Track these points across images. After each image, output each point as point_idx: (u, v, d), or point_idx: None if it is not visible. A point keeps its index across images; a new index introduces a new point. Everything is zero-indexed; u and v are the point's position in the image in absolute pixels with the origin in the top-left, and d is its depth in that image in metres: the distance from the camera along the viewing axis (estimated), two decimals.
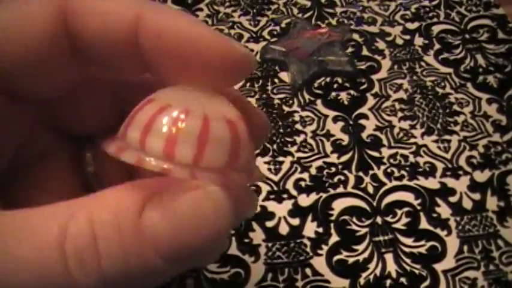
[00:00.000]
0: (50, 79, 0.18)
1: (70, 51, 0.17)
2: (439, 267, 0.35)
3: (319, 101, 0.44)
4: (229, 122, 0.16)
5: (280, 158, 0.41)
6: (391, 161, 0.40)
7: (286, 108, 0.44)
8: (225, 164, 0.16)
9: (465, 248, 0.36)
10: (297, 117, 0.43)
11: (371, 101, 0.44)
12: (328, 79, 0.46)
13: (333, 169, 0.40)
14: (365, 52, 0.48)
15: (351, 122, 0.43)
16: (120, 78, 0.21)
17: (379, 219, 0.37)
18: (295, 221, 0.38)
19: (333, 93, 0.45)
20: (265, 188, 0.39)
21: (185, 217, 0.14)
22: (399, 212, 0.38)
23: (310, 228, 0.37)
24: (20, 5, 0.16)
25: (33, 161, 0.19)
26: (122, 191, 0.15)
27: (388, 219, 0.37)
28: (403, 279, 0.35)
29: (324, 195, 0.39)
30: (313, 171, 0.40)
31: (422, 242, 0.36)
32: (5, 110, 0.17)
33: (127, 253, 0.14)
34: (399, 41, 0.49)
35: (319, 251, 0.36)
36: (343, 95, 0.45)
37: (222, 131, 0.16)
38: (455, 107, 0.44)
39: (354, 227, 0.37)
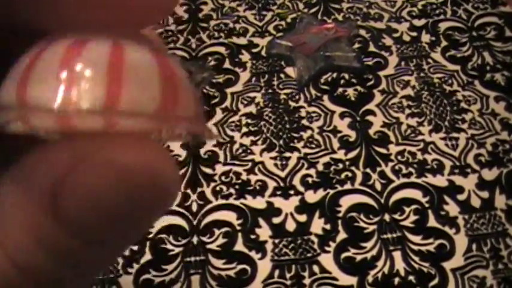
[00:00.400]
0: None
1: None
2: (447, 265, 0.35)
3: (325, 97, 0.44)
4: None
5: (287, 154, 0.41)
6: (399, 158, 0.40)
7: (292, 104, 0.44)
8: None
9: (474, 246, 0.36)
10: (303, 113, 0.43)
11: (378, 98, 0.44)
12: (334, 75, 0.46)
13: (340, 165, 0.40)
14: (372, 48, 0.47)
15: (358, 118, 0.43)
16: None
17: (387, 217, 0.37)
18: (303, 218, 0.37)
19: (340, 89, 0.45)
20: (271, 184, 0.39)
21: (101, 196, 0.11)
22: (407, 209, 0.37)
23: (318, 225, 0.37)
24: None
25: None
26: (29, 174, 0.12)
27: (396, 216, 0.37)
28: (411, 277, 0.34)
29: (332, 191, 0.38)
30: (320, 167, 0.40)
31: (431, 240, 0.36)
32: None
33: (37, 240, 0.11)
34: (406, 38, 0.48)
35: (327, 248, 0.36)
36: (350, 91, 0.44)
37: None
38: (463, 105, 0.43)
39: (362, 224, 0.37)
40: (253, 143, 0.41)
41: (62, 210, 0.11)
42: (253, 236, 0.36)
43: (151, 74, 0.10)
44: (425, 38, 0.48)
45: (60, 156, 0.11)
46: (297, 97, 0.44)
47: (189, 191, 0.39)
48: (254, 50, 0.48)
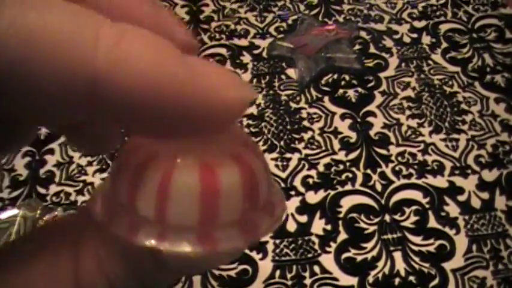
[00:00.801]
0: None
1: None
2: (447, 266, 0.35)
3: (326, 98, 0.44)
4: (205, 166, 0.13)
5: (288, 155, 0.41)
6: (399, 159, 0.40)
7: (293, 105, 0.44)
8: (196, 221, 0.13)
9: (474, 247, 0.36)
10: (304, 114, 0.43)
11: (379, 99, 0.44)
12: (335, 76, 0.46)
13: (341, 166, 0.40)
14: (372, 50, 0.48)
15: (359, 120, 0.43)
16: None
17: (387, 217, 0.37)
18: (303, 218, 0.37)
19: (341, 91, 0.45)
20: None
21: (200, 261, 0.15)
22: (407, 210, 0.38)
23: (319, 226, 0.37)
24: None
25: None
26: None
27: (397, 217, 0.37)
28: (412, 278, 0.34)
29: (332, 192, 0.39)
30: (321, 168, 0.40)
31: (431, 241, 0.36)
32: None
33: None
34: (406, 39, 0.48)
35: (328, 249, 0.36)
36: (351, 93, 0.45)
37: (187, 181, 0.13)
38: (463, 106, 0.43)
39: (362, 225, 0.37)
40: None
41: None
42: None
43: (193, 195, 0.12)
44: (426, 39, 0.48)
45: None
46: (298, 98, 0.44)
47: None
48: (255, 52, 0.48)
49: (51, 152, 0.42)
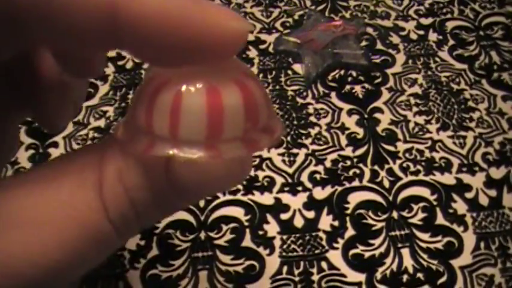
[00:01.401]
0: None
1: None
2: (455, 263, 0.35)
3: (333, 94, 0.44)
4: (211, 88, 0.15)
5: (295, 150, 0.40)
6: (407, 155, 0.40)
7: (300, 101, 0.44)
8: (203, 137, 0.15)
9: (482, 244, 0.36)
10: (311, 110, 0.43)
11: (386, 95, 0.44)
12: (342, 72, 0.45)
13: (348, 162, 0.40)
14: (379, 46, 0.47)
15: (366, 116, 0.42)
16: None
17: (395, 214, 0.37)
18: (311, 214, 0.37)
19: (348, 86, 0.44)
20: (279, 180, 0.39)
21: (208, 172, 0.16)
22: (415, 207, 0.37)
23: (326, 222, 0.37)
24: None
25: None
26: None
27: (404, 214, 0.37)
28: (420, 275, 0.34)
29: (340, 188, 0.38)
30: (328, 164, 0.40)
31: (439, 238, 0.36)
32: None
33: (161, 208, 0.16)
34: (413, 36, 0.48)
35: (335, 245, 0.36)
36: (358, 88, 0.44)
37: (196, 101, 0.14)
38: (471, 103, 0.43)
39: (370, 221, 0.37)
40: None
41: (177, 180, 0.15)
42: (261, 232, 0.36)
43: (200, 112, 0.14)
44: (433, 36, 0.48)
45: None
46: (305, 94, 0.44)
47: None
48: (261, 47, 0.48)
49: (55, 145, 0.42)
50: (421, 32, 0.49)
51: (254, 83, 0.15)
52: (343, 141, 0.41)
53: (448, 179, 0.39)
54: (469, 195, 0.38)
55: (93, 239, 0.15)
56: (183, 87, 0.14)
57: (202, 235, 0.36)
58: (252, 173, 0.39)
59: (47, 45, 0.17)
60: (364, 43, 0.47)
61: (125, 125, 0.16)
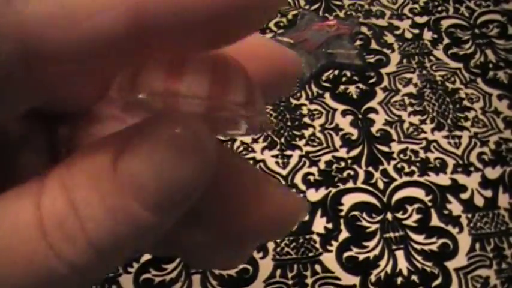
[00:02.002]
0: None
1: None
2: (450, 265, 0.34)
3: (327, 94, 0.44)
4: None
5: (288, 152, 0.40)
6: (401, 156, 0.40)
7: (293, 101, 0.43)
8: (208, 91, 0.14)
9: (477, 245, 0.35)
10: (305, 111, 0.43)
11: (380, 95, 0.43)
12: (336, 72, 0.45)
13: (342, 164, 0.39)
14: (373, 45, 0.47)
15: (360, 116, 0.42)
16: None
17: (389, 216, 0.37)
18: (304, 216, 0.37)
19: (342, 87, 0.44)
20: None
21: (163, 159, 0.13)
22: (410, 208, 0.37)
23: (320, 224, 0.36)
24: None
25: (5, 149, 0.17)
26: (91, 148, 0.13)
27: (399, 215, 0.37)
28: (414, 277, 0.34)
29: (334, 190, 0.38)
30: (322, 165, 0.39)
31: (434, 239, 0.36)
32: None
33: (110, 211, 0.12)
34: (408, 35, 0.48)
35: (329, 247, 0.35)
36: (352, 89, 0.44)
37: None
38: (466, 103, 0.43)
39: (364, 223, 0.36)
40: (254, 140, 0.41)
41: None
42: None
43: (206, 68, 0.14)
44: (428, 35, 0.48)
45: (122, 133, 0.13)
46: (298, 94, 0.44)
47: None
48: None
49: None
50: (416, 31, 0.48)
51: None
52: (337, 142, 0.41)
53: (443, 179, 0.38)
54: (464, 196, 0.38)
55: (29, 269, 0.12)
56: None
57: None
58: None
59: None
60: (358, 43, 0.47)
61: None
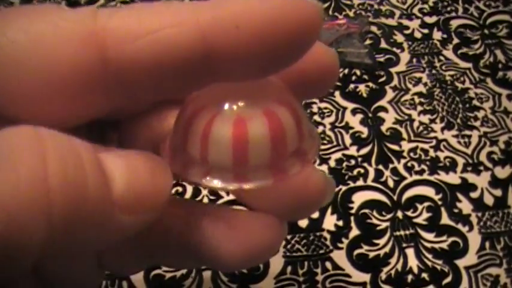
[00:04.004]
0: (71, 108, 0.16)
1: (103, 83, 0.15)
2: (460, 263, 0.35)
3: (337, 93, 0.44)
4: (238, 119, 0.16)
5: None
6: (411, 154, 0.40)
7: (309, 99, 0.43)
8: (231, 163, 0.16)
9: (487, 244, 0.35)
10: (315, 109, 0.43)
11: (390, 94, 0.44)
12: (346, 71, 0.45)
13: (353, 162, 0.39)
14: (383, 45, 0.47)
15: (370, 115, 0.42)
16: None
17: (399, 214, 0.37)
18: (315, 214, 0.37)
19: (352, 85, 0.44)
20: None
21: (141, 166, 0.15)
22: (420, 206, 0.37)
23: (330, 221, 0.36)
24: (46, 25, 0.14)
25: None
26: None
27: (409, 213, 0.37)
28: (424, 275, 0.34)
29: (344, 188, 0.38)
30: (332, 163, 0.39)
31: (444, 238, 0.36)
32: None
33: (80, 187, 0.13)
34: (418, 35, 0.48)
35: (340, 245, 0.35)
36: (362, 87, 0.44)
37: (222, 131, 0.16)
38: (475, 102, 0.43)
39: (375, 221, 0.36)
40: None
41: None
42: None
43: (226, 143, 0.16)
44: (437, 35, 0.48)
45: None
46: None
47: None
48: None
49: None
50: (426, 31, 0.48)
51: (285, 110, 0.16)
52: (347, 140, 0.41)
53: (453, 178, 0.39)
54: (474, 194, 0.38)
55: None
56: (214, 117, 0.16)
57: None
58: None
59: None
60: (368, 42, 0.47)
61: (169, 140, 0.17)
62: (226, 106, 0.16)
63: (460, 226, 0.36)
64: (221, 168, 0.16)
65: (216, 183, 0.16)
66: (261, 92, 0.16)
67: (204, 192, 0.38)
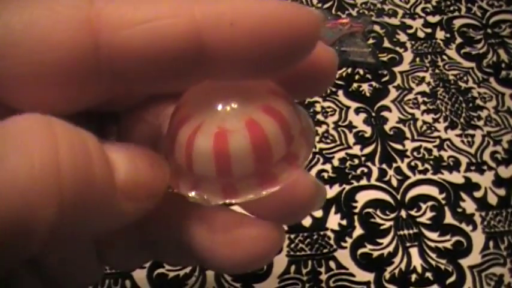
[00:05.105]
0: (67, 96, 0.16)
1: (97, 72, 0.15)
2: (464, 262, 0.35)
3: (340, 92, 0.44)
4: (220, 133, 0.16)
5: None
6: (415, 154, 0.40)
7: (307, 99, 0.43)
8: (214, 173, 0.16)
9: (491, 243, 0.35)
10: (318, 108, 0.43)
11: (393, 93, 0.44)
12: (349, 70, 0.45)
13: (356, 161, 0.39)
14: (386, 44, 0.47)
15: (373, 114, 0.42)
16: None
17: (403, 213, 0.37)
18: (319, 213, 0.37)
19: (355, 84, 0.44)
20: None
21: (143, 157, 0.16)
22: (424, 206, 0.37)
23: (334, 221, 0.36)
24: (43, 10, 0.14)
25: None
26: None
27: (413, 213, 0.37)
28: (428, 274, 0.34)
29: (347, 187, 0.38)
30: (335, 162, 0.39)
31: (448, 237, 0.36)
32: None
33: (88, 173, 0.14)
34: (420, 34, 0.48)
35: (343, 244, 0.35)
36: (365, 87, 0.44)
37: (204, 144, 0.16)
38: (479, 102, 0.43)
39: (378, 220, 0.36)
40: None
41: None
42: None
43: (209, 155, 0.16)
44: (440, 34, 0.48)
45: None
46: None
47: None
48: None
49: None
50: (429, 30, 0.48)
51: (269, 118, 0.16)
52: (351, 139, 0.41)
53: (457, 177, 0.39)
54: (478, 194, 0.38)
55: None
56: (197, 129, 0.16)
57: None
58: None
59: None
60: (371, 41, 0.47)
61: (163, 145, 0.18)
62: (210, 116, 0.16)
63: (463, 225, 0.36)
64: (207, 180, 0.16)
65: (203, 199, 0.16)
66: (248, 95, 0.16)
67: None
